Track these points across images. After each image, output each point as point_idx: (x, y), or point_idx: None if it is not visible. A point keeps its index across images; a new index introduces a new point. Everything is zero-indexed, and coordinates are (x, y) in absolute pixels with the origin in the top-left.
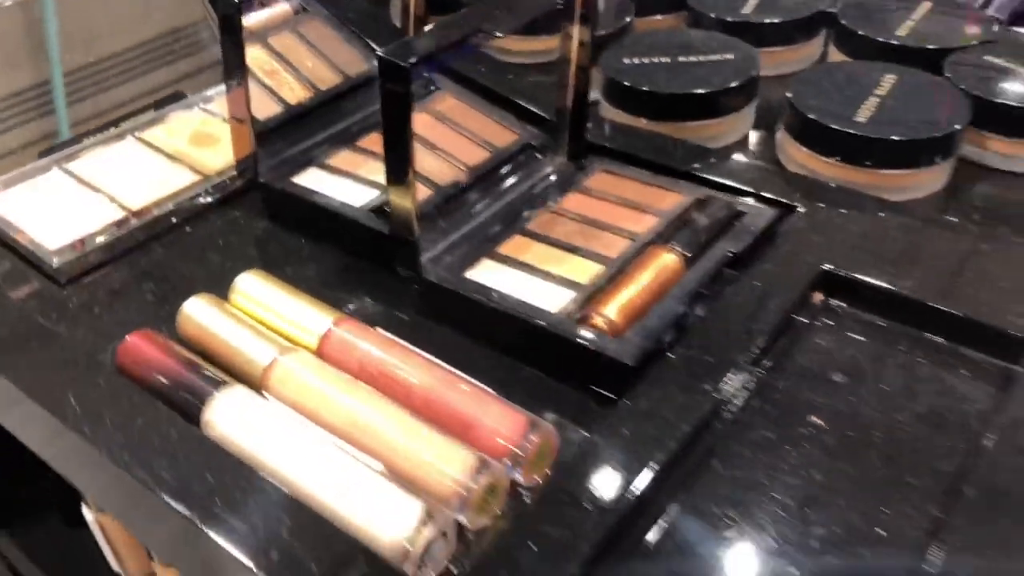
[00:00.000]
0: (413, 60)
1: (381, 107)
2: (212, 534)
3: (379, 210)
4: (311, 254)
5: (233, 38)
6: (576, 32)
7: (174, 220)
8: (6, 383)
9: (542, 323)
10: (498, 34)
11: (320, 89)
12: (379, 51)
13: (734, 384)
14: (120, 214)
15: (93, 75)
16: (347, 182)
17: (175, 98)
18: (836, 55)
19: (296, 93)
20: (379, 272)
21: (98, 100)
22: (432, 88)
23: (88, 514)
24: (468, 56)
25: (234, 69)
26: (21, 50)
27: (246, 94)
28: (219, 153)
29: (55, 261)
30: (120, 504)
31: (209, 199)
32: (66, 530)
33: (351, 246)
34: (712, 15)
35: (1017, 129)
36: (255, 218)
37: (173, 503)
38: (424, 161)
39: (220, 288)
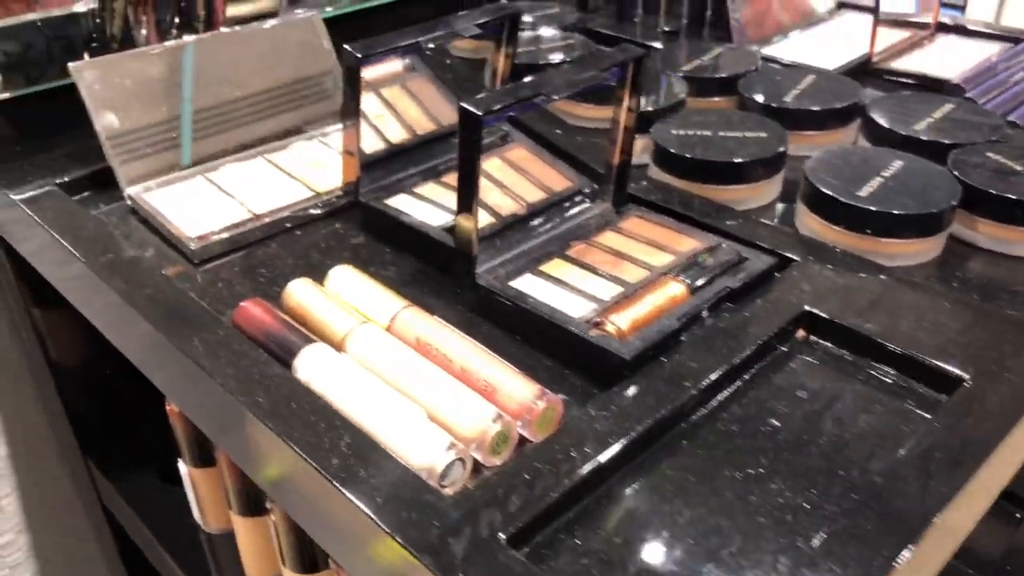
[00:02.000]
0: (483, 111)
1: (458, 146)
2: (290, 442)
3: (449, 230)
4: (393, 260)
5: (352, 86)
6: (625, 102)
7: (288, 225)
8: (149, 327)
9: (564, 324)
10: (555, 97)
11: (418, 133)
12: (461, 102)
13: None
14: (246, 215)
15: (220, 115)
16: (428, 207)
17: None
18: (863, 142)
19: (397, 134)
20: (444, 278)
21: (222, 138)
22: (509, 140)
23: (183, 467)
24: (531, 112)
25: (350, 111)
26: (161, 89)
27: (358, 132)
28: (329, 176)
29: (192, 246)
30: (222, 424)
31: (318, 211)
32: (161, 485)
33: (425, 256)
34: (759, 100)
35: (1002, 215)
36: (353, 229)
37: (263, 421)
38: (492, 195)
39: (317, 278)
